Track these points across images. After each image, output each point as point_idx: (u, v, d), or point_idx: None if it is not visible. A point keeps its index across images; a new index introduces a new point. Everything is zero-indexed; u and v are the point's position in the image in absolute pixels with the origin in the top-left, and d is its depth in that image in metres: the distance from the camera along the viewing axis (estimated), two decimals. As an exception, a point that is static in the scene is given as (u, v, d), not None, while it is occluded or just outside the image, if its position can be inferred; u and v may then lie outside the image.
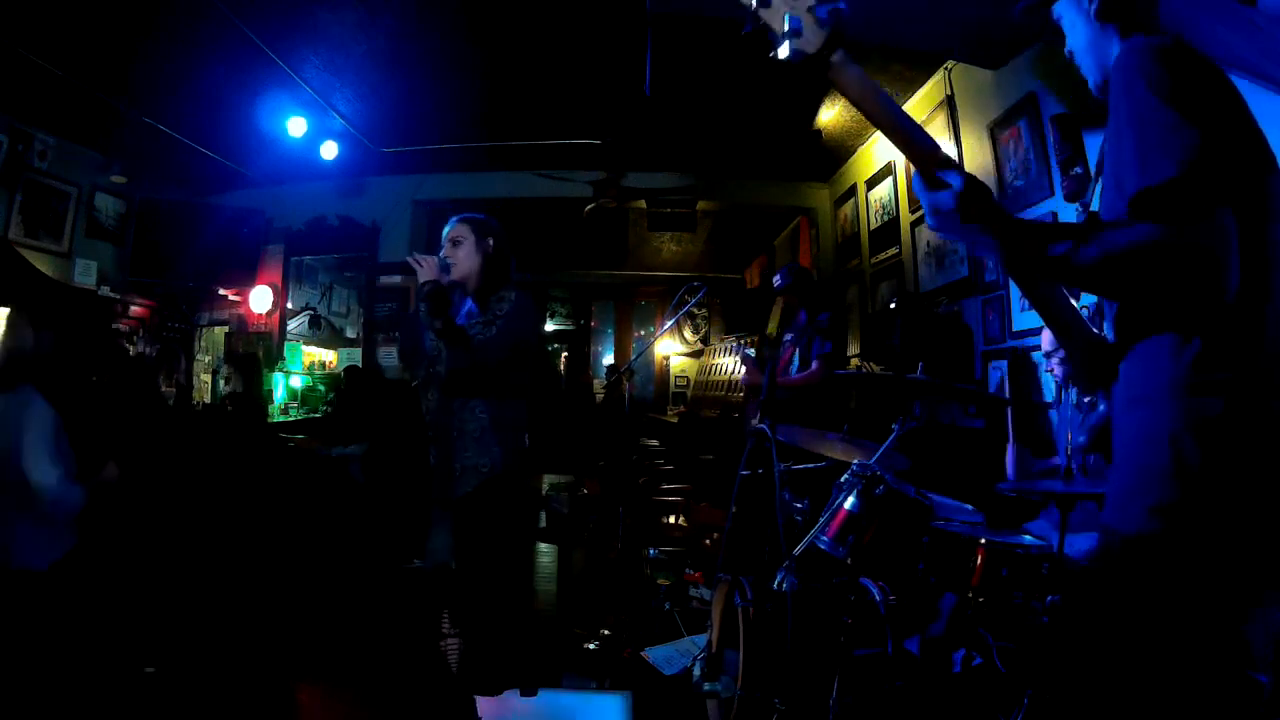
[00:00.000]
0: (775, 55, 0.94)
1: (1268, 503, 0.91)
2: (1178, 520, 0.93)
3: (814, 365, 3.31)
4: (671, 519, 4.87)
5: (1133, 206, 0.93)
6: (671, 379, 10.99)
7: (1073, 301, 1.22)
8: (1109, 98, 1.05)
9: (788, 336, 3.53)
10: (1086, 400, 2.32)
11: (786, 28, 0.93)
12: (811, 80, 4.44)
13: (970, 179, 0.96)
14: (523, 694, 2.29)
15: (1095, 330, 1.22)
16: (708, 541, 3.88)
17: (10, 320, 2.37)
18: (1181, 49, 0.99)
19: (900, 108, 1.00)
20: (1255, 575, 0.93)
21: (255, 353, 5.89)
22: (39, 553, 2.23)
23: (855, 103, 0.98)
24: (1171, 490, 0.93)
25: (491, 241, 2.31)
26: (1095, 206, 1.18)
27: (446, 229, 2.35)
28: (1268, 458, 0.91)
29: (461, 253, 2.27)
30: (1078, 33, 1.18)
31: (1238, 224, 0.89)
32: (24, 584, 2.18)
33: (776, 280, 3.62)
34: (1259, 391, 0.92)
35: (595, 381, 10.43)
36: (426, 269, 2.16)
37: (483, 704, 2.20)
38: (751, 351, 4.12)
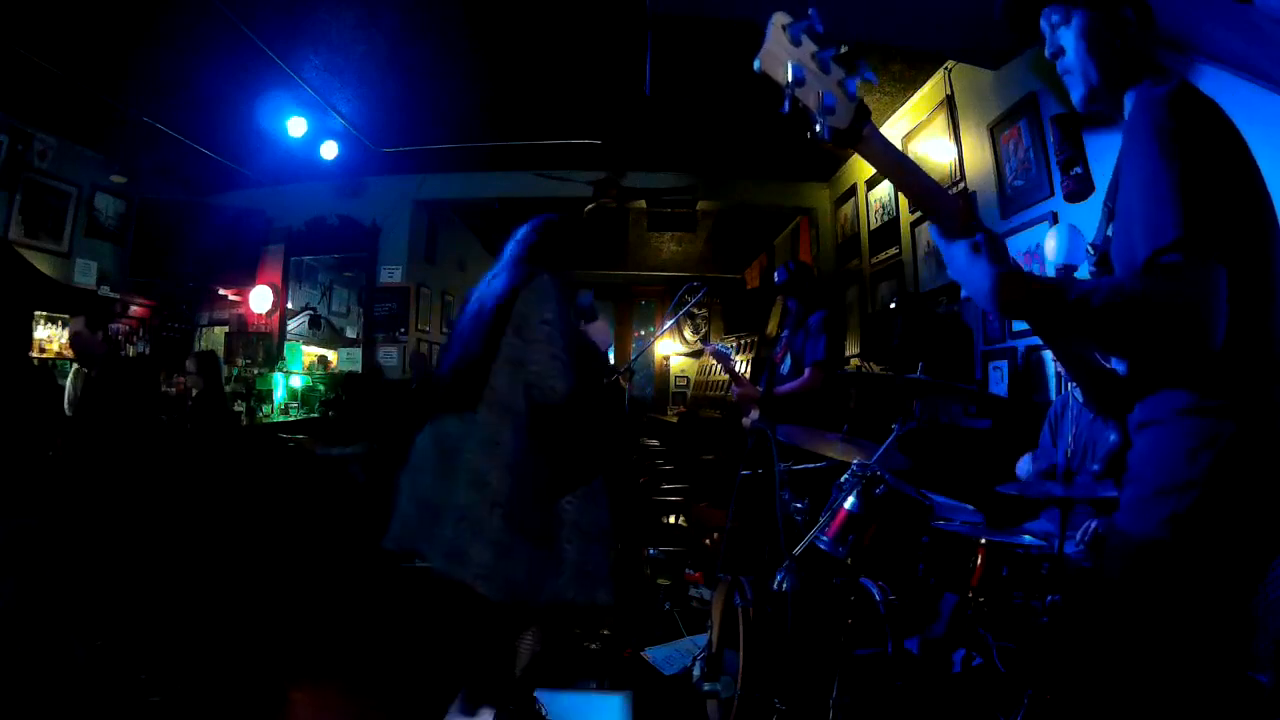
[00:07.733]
0: (811, 135, 0.95)
1: (1273, 521, 0.95)
2: (1188, 532, 0.97)
3: (807, 373, 3.19)
4: (671, 519, 4.87)
5: (1144, 265, 0.96)
6: (671, 379, 10.98)
7: None
8: (1123, 140, 1.06)
9: (784, 334, 3.50)
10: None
11: (822, 105, 0.92)
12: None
13: (991, 232, 1.02)
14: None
15: (1103, 363, 1.24)
16: (708, 541, 3.87)
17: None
18: (1191, 96, 1.01)
19: (924, 172, 1.02)
20: (1259, 584, 0.99)
21: (214, 350, 5.83)
22: None
23: (882, 170, 1.00)
24: (1183, 503, 0.97)
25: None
26: (1098, 241, 1.21)
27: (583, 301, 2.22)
28: (1272, 483, 0.95)
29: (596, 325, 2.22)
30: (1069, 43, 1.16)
31: (1230, 275, 0.92)
32: None
33: (777, 276, 3.61)
34: (1266, 418, 0.96)
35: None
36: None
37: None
38: (724, 348, 4.03)
